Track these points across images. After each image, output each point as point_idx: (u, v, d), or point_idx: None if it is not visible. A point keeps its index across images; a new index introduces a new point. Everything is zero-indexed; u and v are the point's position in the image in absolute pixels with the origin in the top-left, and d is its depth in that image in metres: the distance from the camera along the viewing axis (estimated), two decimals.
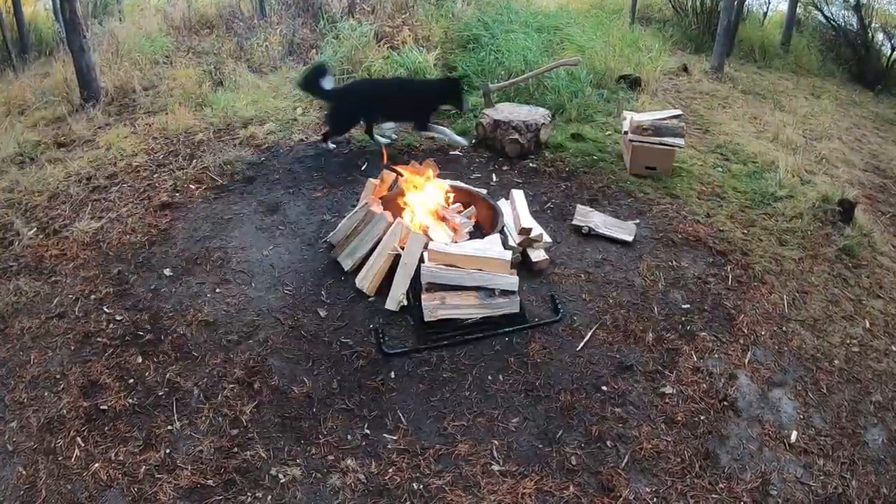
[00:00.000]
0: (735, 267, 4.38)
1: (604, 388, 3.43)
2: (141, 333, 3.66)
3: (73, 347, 3.59)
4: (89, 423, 3.17)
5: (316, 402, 3.28)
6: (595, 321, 3.83)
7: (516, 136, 5.52)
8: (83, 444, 3.07)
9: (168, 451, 3.05)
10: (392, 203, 4.29)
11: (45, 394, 3.32)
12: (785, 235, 4.82)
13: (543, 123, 5.65)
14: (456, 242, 3.98)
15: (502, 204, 4.52)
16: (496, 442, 3.12)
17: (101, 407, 3.24)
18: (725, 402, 3.42)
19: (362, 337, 3.64)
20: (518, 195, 4.59)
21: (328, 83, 5.57)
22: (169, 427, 3.15)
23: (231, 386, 3.35)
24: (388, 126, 5.86)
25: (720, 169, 5.77)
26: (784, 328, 3.97)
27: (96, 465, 2.98)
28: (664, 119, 5.50)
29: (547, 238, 4.27)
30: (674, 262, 4.35)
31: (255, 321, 3.73)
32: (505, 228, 4.23)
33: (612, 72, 7.45)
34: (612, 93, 7.12)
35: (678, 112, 5.80)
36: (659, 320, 3.88)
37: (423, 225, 4.12)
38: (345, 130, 5.76)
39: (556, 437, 3.17)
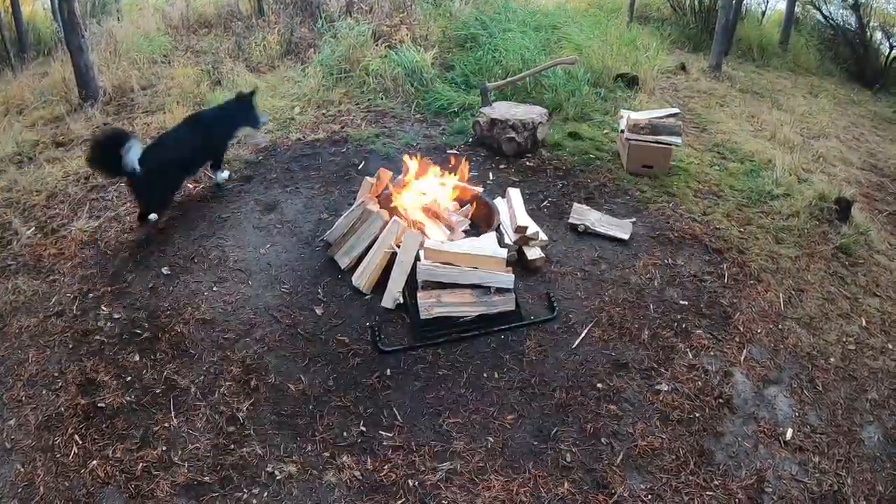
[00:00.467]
0: (731, 265, 4.39)
1: (599, 385, 3.44)
2: (138, 331, 3.67)
3: (71, 346, 3.60)
4: (87, 420, 3.18)
5: (312, 400, 3.29)
6: (591, 319, 3.84)
7: (513, 134, 5.52)
8: (81, 442, 3.08)
9: (165, 448, 3.06)
10: (388, 201, 4.30)
11: (44, 392, 3.34)
12: (781, 234, 4.83)
13: (540, 122, 5.65)
14: (452, 240, 3.98)
15: (499, 202, 4.53)
16: (491, 439, 3.14)
17: (99, 405, 3.25)
18: (721, 400, 3.43)
19: (358, 335, 3.65)
20: (515, 193, 4.60)
21: (132, 153, 4.21)
22: (166, 424, 3.16)
23: (228, 383, 3.36)
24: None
25: (717, 167, 5.78)
26: (780, 326, 3.98)
27: (94, 462, 2.99)
28: (661, 118, 5.51)
29: (543, 236, 4.28)
30: (670, 260, 4.36)
31: (252, 319, 3.74)
32: (501, 227, 4.24)
33: (610, 70, 7.46)
34: (610, 91, 7.12)
35: (676, 111, 5.80)
36: (655, 318, 3.89)
37: (419, 223, 4.13)
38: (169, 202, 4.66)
39: (552, 434, 3.18)
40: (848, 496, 3.09)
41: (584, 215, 4.62)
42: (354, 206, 4.20)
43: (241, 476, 2.95)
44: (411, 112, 6.48)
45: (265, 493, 2.88)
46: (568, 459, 3.07)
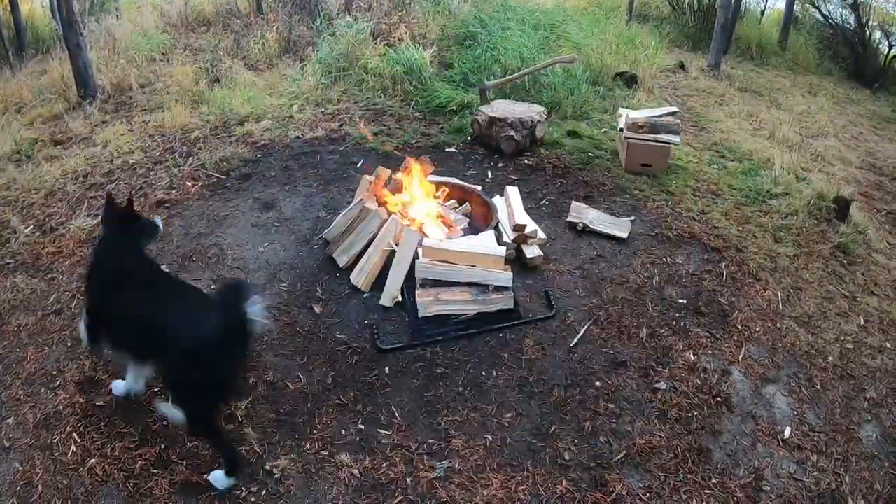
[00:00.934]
0: (730, 264, 4.39)
1: (597, 383, 3.43)
2: None
3: (69, 344, 3.59)
4: (85, 419, 3.17)
5: (310, 398, 3.29)
6: (589, 317, 3.84)
7: (512, 132, 5.52)
8: (79, 440, 3.07)
9: (163, 446, 3.05)
10: (387, 200, 4.29)
11: (42, 390, 3.33)
12: (780, 232, 4.83)
13: (539, 120, 5.66)
14: (450, 239, 3.98)
15: (497, 200, 4.53)
16: (490, 437, 3.13)
17: (98, 403, 3.24)
18: (719, 398, 3.43)
19: (357, 333, 3.65)
20: (513, 192, 4.60)
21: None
22: (164, 422, 3.15)
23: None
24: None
25: (716, 166, 5.79)
26: (778, 325, 3.98)
27: (92, 460, 2.98)
28: (660, 116, 5.51)
29: (542, 234, 4.28)
30: (668, 259, 4.36)
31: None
32: (500, 225, 4.24)
33: (609, 69, 7.47)
34: (609, 90, 7.13)
35: (674, 109, 5.81)
36: (653, 316, 3.89)
37: (418, 221, 4.12)
38: None
39: (550, 432, 3.17)
40: (846, 495, 3.08)
41: (583, 214, 4.63)
42: (353, 204, 4.20)
43: (239, 474, 2.94)
44: (410, 110, 6.48)
45: (263, 492, 2.88)
46: (566, 458, 3.07)
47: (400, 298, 3.79)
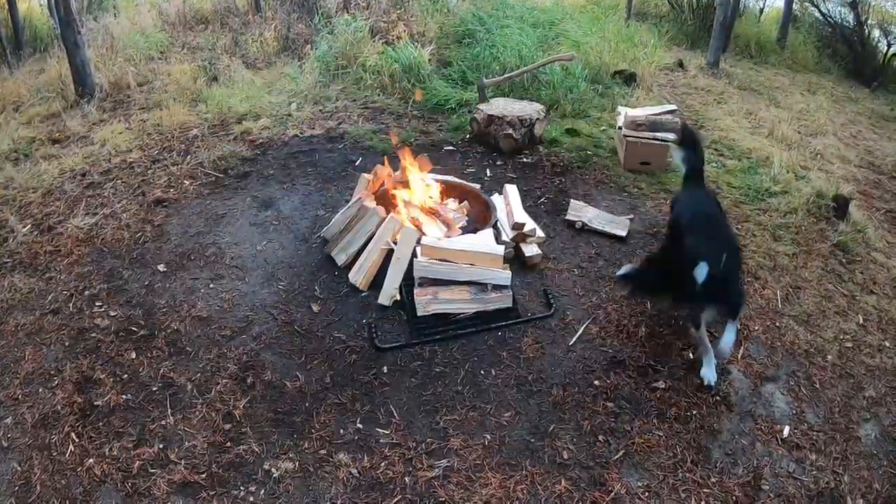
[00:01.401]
0: None
1: (596, 382, 3.43)
2: (135, 329, 3.66)
3: (67, 343, 3.59)
4: (83, 418, 3.17)
5: (309, 397, 3.29)
6: (588, 316, 3.83)
7: (510, 131, 5.52)
8: (77, 440, 3.07)
9: (162, 446, 3.05)
10: (385, 198, 4.29)
11: (40, 390, 3.32)
12: (779, 231, 4.82)
13: (538, 118, 5.65)
14: (449, 237, 3.98)
15: (496, 199, 4.52)
16: (488, 436, 3.13)
17: (95, 403, 3.24)
18: (718, 397, 3.43)
19: (355, 331, 3.64)
20: (512, 190, 4.60)
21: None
22: (163, 422, 3.16)
23: (224, 381, 3.35)
24: None
25: (715, 164, 5.78)
26: (777, 323, 3.98)
27: (90, 460, 2.98)
28: (659, 114, 5.50)
29: (540, 233, 4.28)
30: None
31: (249, 316, 3.73)
32: (498, 223, 4.23)
33: (608, 67, 7.45)
34: (608, 88, 7.12)
35: (673, 107, 5.80)
36: (652, 315, 3.89)
37: (416, 220, 4.12)
38: None
39: (548, 431, 3.17)
40: (845, 494, 3.08)
41: (582, 212, 4.62)
42: (351, 202, 4.20)
43: (237, 474, 2.94)
44: (408, 108, 6.47)
45: (262, 491, 2.88)
46: (565, 457, 3.07)
47: (398, 297, 3.79)
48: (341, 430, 3.14)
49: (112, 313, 3.77)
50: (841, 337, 3.99)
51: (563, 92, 6.66)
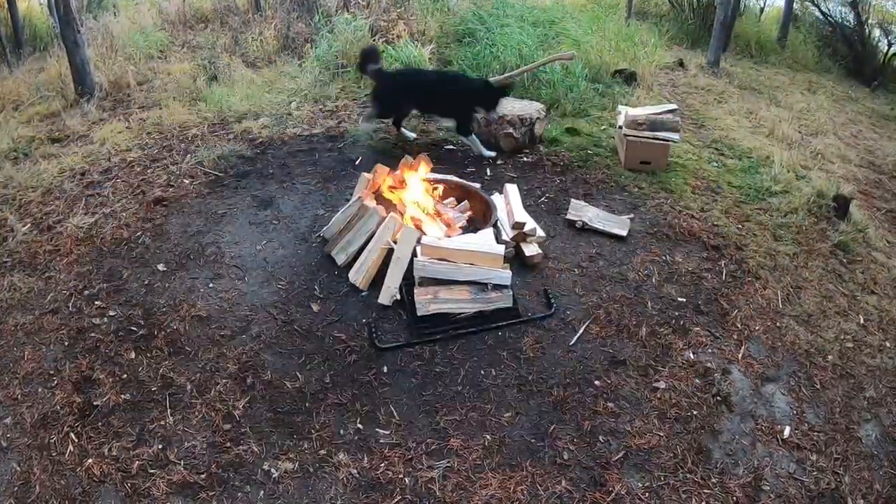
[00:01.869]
0: (729, 262, 4.39)
1: (596, 382, 3.43)
2: (134, 329, 3.65)
3: (66, 343, 3.58)
4: (83, 418, 3.17)
5: (308, 397, 3.28)
6: (588, 316, 3.83)
7: (511, 130, 5.51)
8: (77, 440, 3.06)
9: (161, 446, 3.05)
10: (385, 198, 4.28)
11: (39, 390, 3.32)
12: (780, 230, 4.82)
13: (538, 118, 5.64)
14: (449, 237, 3.97)
15: (496, 198, 4.51)
16: (488, 436, 3.13)
17: (95, 403, 3.24)
18: (718, 397, 3.43)
19: (355, 331, 3.64)
20: (512, 189, 4.59)
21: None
22: (162, 422, 3.15)
23: (224, 381, 3.35)
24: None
25: (715, 164, 5.77)
26: (778, 323, 3.98)
27: (90, 460, 2.97)
28: (659, 114, 5.49)
29: (541, 232, 4.27)
30: (668, 257, 4.35)
31: (249, 316, 3.73)
32: (498, 223, 4.23)
33: (608, 66, 7.44)
34: (608, 87, 7.11)
35: (674, 107, 5.79)
36: (652, 315, 3.88)
37: (416, 219, 4.11)
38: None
39: (549, 431, 3.17)
40: (845, 494, 3.08)
41: (582, 211, 4.61)
42: (351, 201, 4.19)
43: (237, 474, 2.94)
44: None
45: (261, 492, 2.87)
46: (565, 457, 3.06)
47: (398, 297, 3.78)
48: (341, 431, 3.14)
49: (111, 313, 3.76)
50: (842, 337, 3.98)
51: (564, 91, 6.64)
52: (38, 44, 8.94)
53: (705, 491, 2.98)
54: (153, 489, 2.86)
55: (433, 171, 4.57)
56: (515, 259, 4.13)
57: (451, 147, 5.66)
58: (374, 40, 7.35)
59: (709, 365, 3.60)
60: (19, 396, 3.28)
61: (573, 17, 8.69)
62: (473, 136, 5.51)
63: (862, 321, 4.15)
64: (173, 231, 4.40)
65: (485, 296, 3.69)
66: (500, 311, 3.72)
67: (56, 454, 3.01)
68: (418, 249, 3.74)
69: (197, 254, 4.18)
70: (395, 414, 3.22)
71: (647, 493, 2.94)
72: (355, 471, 2.96)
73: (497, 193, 4.65)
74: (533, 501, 2.88)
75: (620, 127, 5.57)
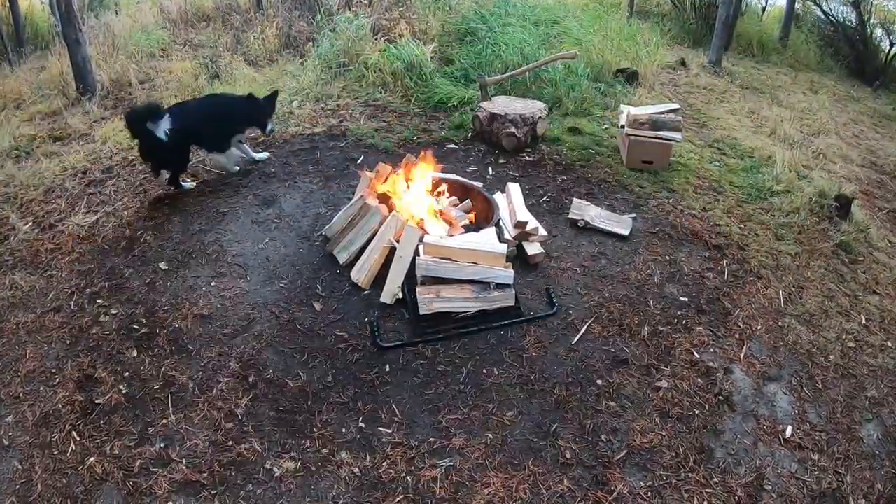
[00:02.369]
0: (731, 261, 4.38)
1: (599, 381, 3.43)
2: (136, 327, 3.65)
3: (68, 342, 3.58)
4: (84, 417, 3.17)
5: (311, 396, 3.28)
6: (590, 315, 3.83)
7: (513, 129, 5.51)
8: (78, 438, 3.06)
9: (163, 444, 3.05)
10: (387, 196, 4.28)
11: (41, 388, 3.32)
12: (781, 230, 4.82)
13: (540, 117, 5.64)
14: (451, 236, 3.97)
15: (498, 197, 4.51)
16: (490, 435, 3.12)
17: (97, 401, 3.24)
18: (720, 397, 3.43)
19: (357, 330, 3.63)
20: (514, 188, 4.59)
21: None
22: (164, 421, 3.15)
23: (226, 379, 3.34)
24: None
25: (717, 163, 5.77)
26: (780, 323, 3.97)
27: (91, 458, 2.97)
28: (661, 113, 5.49)
29: (543, 231, 4.27)
30: (670, 257, 4.35)
31: (251, 314, 3.73)
32: (501, 222, 4.22)
33: (610, 65, 7.45)
34: (610, 86, 7.11)
35: (675, 106, 5.79)
36: (654, 314, 3.88)
37: (419, 218, 4.11)
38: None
39: (551, 430, 3.17)
40: (847, 494, 3.08)
41: (584, 211, 4.61)
42: (353, 200, 4.18)
43: (239, 473, 2.94)
44: (410, 106, 6.46)
45: (264, 490, 2.87)
46: (567, 456, 3.06)
47: (400, 296, 3.78)
48: (343, 429, 3.14)
49: (113, 311, 3.76)
50: (843, 337, 3.98)
51: (566, 90, 6.65)
52: (39, 42, 8.96)
53: (707, 490, 2.98)
54: (155, 488, 2.86)
55: (435, 169, 4.56)
56: (517, 258, 4.13)
57: (453, 146, 5.66)
58: (375, 39, 7.35)
59: (711, 364, 3.60)
60: (21, 395, 3.28)
61: (575, 16, 8.70)
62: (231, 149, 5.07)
63: (864, 321, 4.15)
64: (175, 230, 4.40)
65: (487, 295, 3.68)
66: (502, 311, 3.72)
67: (58, 452, 3.01)
68: (420, 248, 3.74)
69: (199, 252, 4.18)
70: (397, 413, 3.22)
71: (648, 493, 2.94)
72: (357, 469, 2.96)
73: (499, 192, 4.65)
74: (535, 500, 2.88)
75: (622, 126, 5.57)
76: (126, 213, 4.58)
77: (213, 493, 2.85)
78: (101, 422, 3.14)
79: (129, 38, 7.90)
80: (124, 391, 3.29)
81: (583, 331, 3.72)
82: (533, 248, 4.15)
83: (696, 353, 3.65)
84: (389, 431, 3.13)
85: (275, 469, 2.95)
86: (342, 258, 4.05)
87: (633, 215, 4.73)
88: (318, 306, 3.79)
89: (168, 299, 3.83)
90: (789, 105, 8.02)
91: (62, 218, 4.56)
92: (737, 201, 5.13)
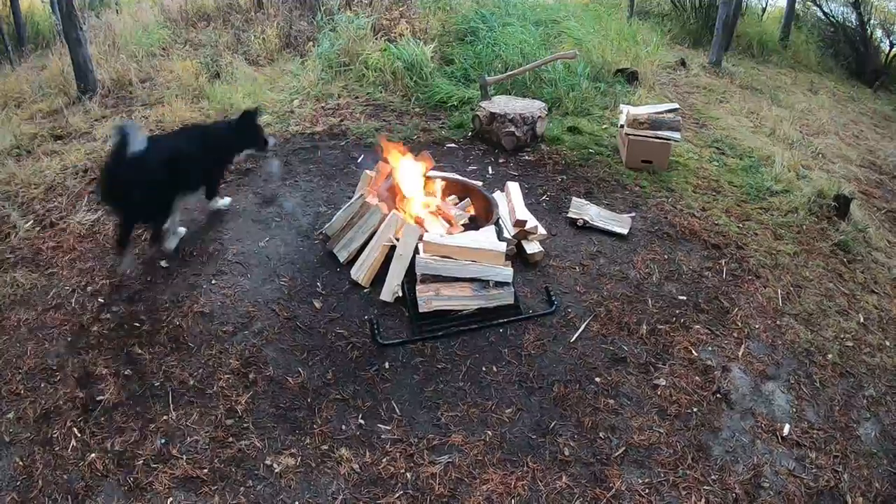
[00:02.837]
0: (730, 260, 4.40)
1: (597, 379, 3.44)
2: (137, 325, 3.66)
3: (69, 339, 3.59)
4: (85, 413, 3.17)
5: (311, 393, 3.29)
6: (589, 313, 3.84)
7: (512, 128, 5.52)
8: (79, 435, 3.07)
9: (163, 441, 3.06)
10: (387, 195, 4.29)
11: (42, 385, 3.33)
12: (780, 230, 4.83)
13: (540, 116, 5.65)
14: (451, 234, 3.98)
15: (498, 196, 4.52)
16: (490, 432, 3.14)
17: (97, 398, 3.24)
18: (719, 395, 3.44)
19: (357, 328, 3.65)
20: (514, 187, 4.60)
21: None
22: (164, 417, 3.16)
23: (226, 376, 3.35)
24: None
25: (716, 163, 5.78)
26: (778, 322, 3.99)
27: (92, 455, 2.98)
28: (661, 113, 5.51)
29: (542, 230, 4.28)
30: (669, 256, 4.36)
31: (251, 312, 3.74)
32: (500, 220, 4.23)
33: (610, 65, 7.46)
34: (610, 86, 7.12)
35: (675, 106, 5.80)
36: (653, 313, 3.89)
37: (418, 216, 4.12)
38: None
39: (550, 428, 3.18)
40: (844, 492, 3.09)
41: (583, 210, 4.62)
42: (353, 199, 4.20)
43: (239, 469, 2.95)
44: (410, 106, 6.47)
45: (264, 487, 2.88)
46: (566, 453, 3.07)
47: (400, 294, 3.79)
48: (343, 426, 3.15)
49: (114, 309, 3.77)
50: (841, 336, 3.99)
51: (565, 90, 6.66)
52: (40, 41, 8.98)
53: (705, 488, 2.99)
54: (156, 483, 2.87)
55: (435, 169, 4.57)
56: (517, 257, 4.14)
57: (453, 145, 5.67)
58: (376, 38, 7.36)
59: (709, 363, 3.61)
60: (22, 391, 3.29)
61: (575, 15, 8.71)
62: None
63: (862, 320, 4.16)
64: None
65: (486, 293, 3.70)
66: (501, 309, 3.73)
67: (58, 449, 3.01)
68: (420, 247, 3.75)
69: (199, 250, 4.19)
70: (397, 410, 3.23)
71: (647, 490, 2.96)
72: (357, 466, 2.97)
73: (499, 191, 4.66)
74: (533, 497, 2.89)
75: (622, 126, 5.58)
76: None
77: (213, 488, 2.86)
78: (102, 418, 3.15)
79: (130, 37, 7.91)
80: (125, 388, 3.30)
81: (581, 329, 3.73)
82: (532, 247, 4.17)
83: (694, 352, 3.66)
84: (389, 428, 3.15)
85: (275, 465, 2.96)
86: (342, 256, 4.07)
87: (633, 214, 4.74)
88: (318, 304, 3.80)
89: (169, 297, 3.84)
90: (789, 105, 8.04)
91: (63, 216, 4.57)
92: (736, 201, 5.15)
